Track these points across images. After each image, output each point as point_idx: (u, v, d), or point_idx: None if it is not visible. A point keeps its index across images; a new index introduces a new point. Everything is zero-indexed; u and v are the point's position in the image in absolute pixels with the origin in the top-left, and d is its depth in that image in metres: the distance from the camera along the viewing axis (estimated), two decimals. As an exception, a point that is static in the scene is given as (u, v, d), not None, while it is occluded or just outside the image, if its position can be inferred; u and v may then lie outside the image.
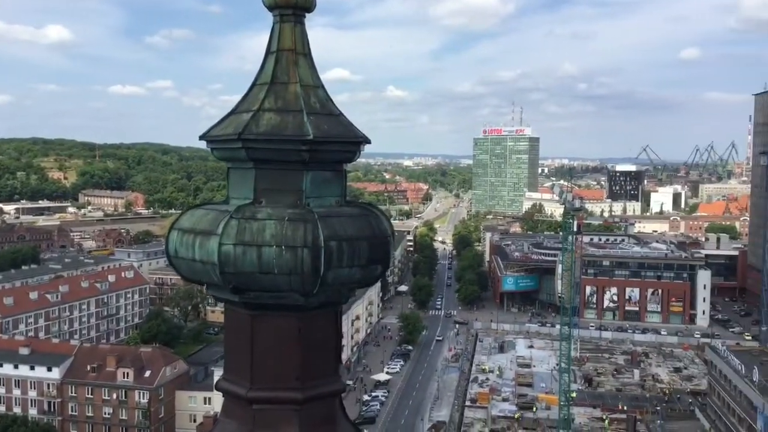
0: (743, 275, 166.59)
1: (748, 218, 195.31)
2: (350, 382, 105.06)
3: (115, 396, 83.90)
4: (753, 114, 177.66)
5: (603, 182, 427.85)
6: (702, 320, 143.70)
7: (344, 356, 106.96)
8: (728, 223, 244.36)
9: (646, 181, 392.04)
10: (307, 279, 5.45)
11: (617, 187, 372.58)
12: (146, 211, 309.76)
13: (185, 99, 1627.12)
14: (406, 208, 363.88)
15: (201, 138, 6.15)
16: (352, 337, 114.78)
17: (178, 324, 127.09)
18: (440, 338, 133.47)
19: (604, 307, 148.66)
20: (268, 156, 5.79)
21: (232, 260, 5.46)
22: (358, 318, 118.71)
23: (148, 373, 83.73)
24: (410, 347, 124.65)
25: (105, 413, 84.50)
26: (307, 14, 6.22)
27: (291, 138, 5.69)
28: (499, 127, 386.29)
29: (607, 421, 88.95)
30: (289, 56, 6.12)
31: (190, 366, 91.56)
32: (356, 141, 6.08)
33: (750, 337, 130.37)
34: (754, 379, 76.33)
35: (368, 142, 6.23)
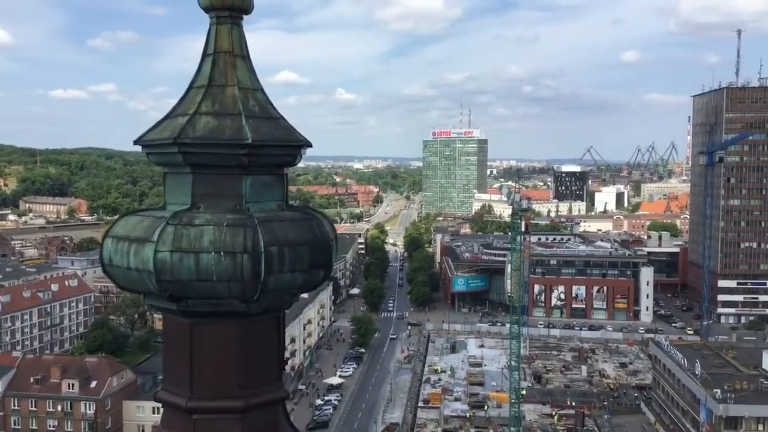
0: (684, 272, 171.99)
1: (688, 216, 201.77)
2: (303, 387, 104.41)
3: (60, 408, 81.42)
4: (692, 115, 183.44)
5: (549, 183, 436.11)
6: (646, 316, 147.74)
7: (296, 361, 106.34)
8: (669, 221, 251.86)
9: (590, 181, 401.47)
10: (247, 285, 5.35)
11: (563, 188, 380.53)
12: (90, 217, 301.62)
13: (130, 103, 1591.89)
14: (357, 210, 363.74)
15: (136, 142, 5.98)
16: (304, 342, 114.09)
17: (125, 333, 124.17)
18: (394, 336, 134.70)
19: (552, 305, 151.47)
20: (205, 161, 5.66)
21: (168, 268, 5.32)
22: (310, 322, 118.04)
23: (94, 384, 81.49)
24: (363, 350, 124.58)
25: (50, 426, 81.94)
26: (245, 16, 6.11)
27: (229, 142, 5.57)
28: (448, 129, 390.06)
29: (556, 417, 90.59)
30: (226, 58, 6.00)
31: (138, 375, 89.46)
32: (297, 145, 5.99)
33: (692, 332, 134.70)
34: (697, 373, 78.78)
35: (309, 145, 6.16)
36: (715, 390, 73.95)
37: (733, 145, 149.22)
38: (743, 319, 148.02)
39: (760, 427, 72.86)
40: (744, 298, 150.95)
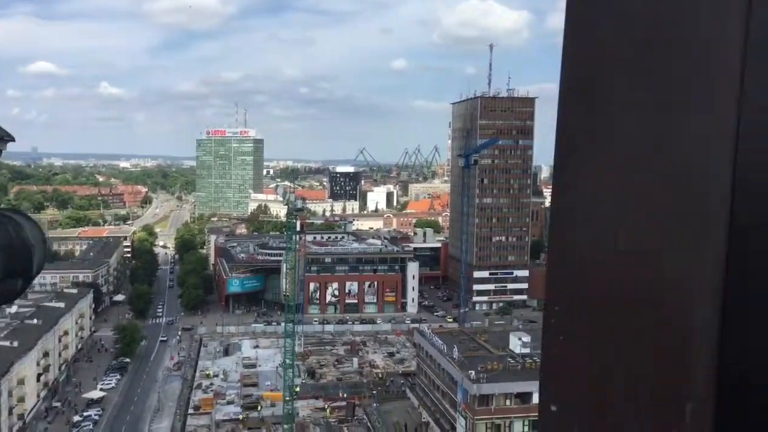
0: (445, 265, 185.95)
1: (449, 214, 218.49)
2: (58, 404, 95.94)
3: None
4: (451, 120, 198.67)
5: (325, 183, 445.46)
6: (412, 307, 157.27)
7: (50, 376, 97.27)
8: (433, 218, 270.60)
9: (363, 182, 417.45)
10: None
11: (338, 188, 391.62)
12: None
13: None
14: (123, 212, 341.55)
15: None
16: (60, 355, 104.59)
17: None
18: (165, 338, 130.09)
19: (327, 302, 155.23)
20: None
21: None
22: (66, 333, 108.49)
23: None
24: (127, 360, 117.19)
25: None
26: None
27: None
28: (223, 128, 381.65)
29: (328, 410, 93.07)
30: None
31: None
32: (-13, 139, 5.41)
33: (451, 320, 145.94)
34: (454, 357, 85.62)
35: (11, 139, 5.57)
36: (470, 371, 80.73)
37: (486, 149, 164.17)
38: (494, 306, 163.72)
39: (508, 402, 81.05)
40: (495, 286, 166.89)
